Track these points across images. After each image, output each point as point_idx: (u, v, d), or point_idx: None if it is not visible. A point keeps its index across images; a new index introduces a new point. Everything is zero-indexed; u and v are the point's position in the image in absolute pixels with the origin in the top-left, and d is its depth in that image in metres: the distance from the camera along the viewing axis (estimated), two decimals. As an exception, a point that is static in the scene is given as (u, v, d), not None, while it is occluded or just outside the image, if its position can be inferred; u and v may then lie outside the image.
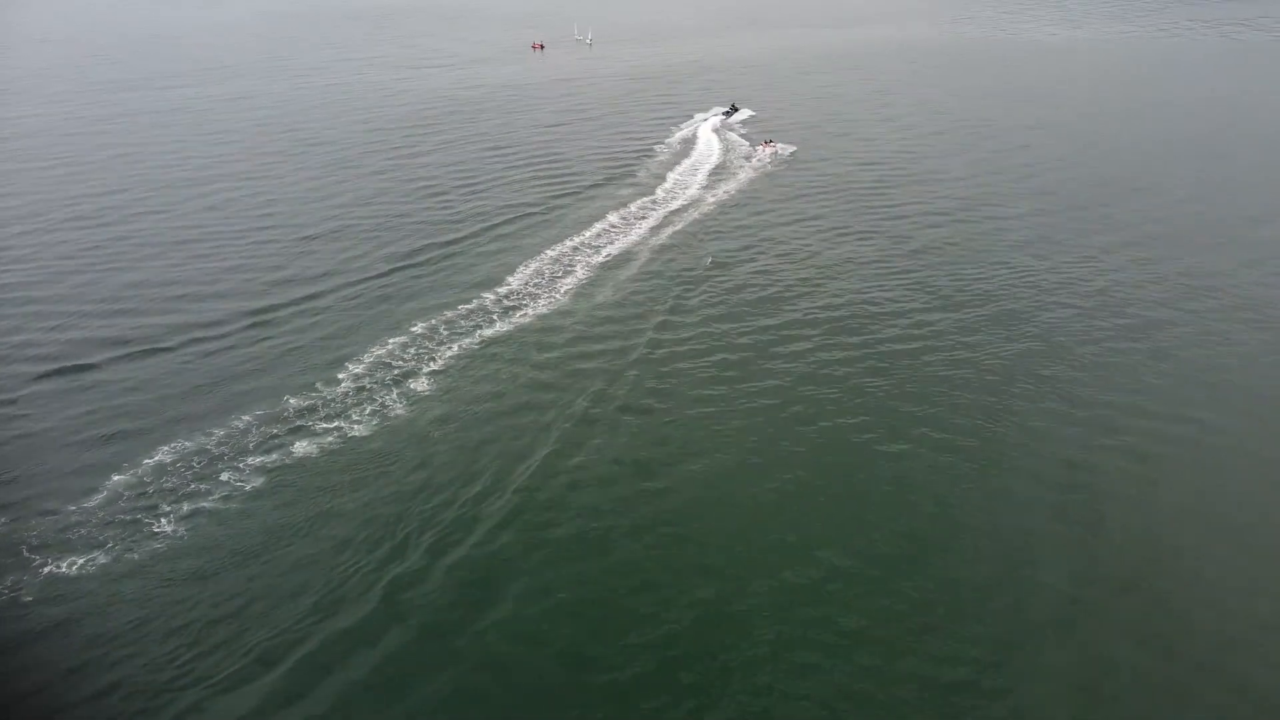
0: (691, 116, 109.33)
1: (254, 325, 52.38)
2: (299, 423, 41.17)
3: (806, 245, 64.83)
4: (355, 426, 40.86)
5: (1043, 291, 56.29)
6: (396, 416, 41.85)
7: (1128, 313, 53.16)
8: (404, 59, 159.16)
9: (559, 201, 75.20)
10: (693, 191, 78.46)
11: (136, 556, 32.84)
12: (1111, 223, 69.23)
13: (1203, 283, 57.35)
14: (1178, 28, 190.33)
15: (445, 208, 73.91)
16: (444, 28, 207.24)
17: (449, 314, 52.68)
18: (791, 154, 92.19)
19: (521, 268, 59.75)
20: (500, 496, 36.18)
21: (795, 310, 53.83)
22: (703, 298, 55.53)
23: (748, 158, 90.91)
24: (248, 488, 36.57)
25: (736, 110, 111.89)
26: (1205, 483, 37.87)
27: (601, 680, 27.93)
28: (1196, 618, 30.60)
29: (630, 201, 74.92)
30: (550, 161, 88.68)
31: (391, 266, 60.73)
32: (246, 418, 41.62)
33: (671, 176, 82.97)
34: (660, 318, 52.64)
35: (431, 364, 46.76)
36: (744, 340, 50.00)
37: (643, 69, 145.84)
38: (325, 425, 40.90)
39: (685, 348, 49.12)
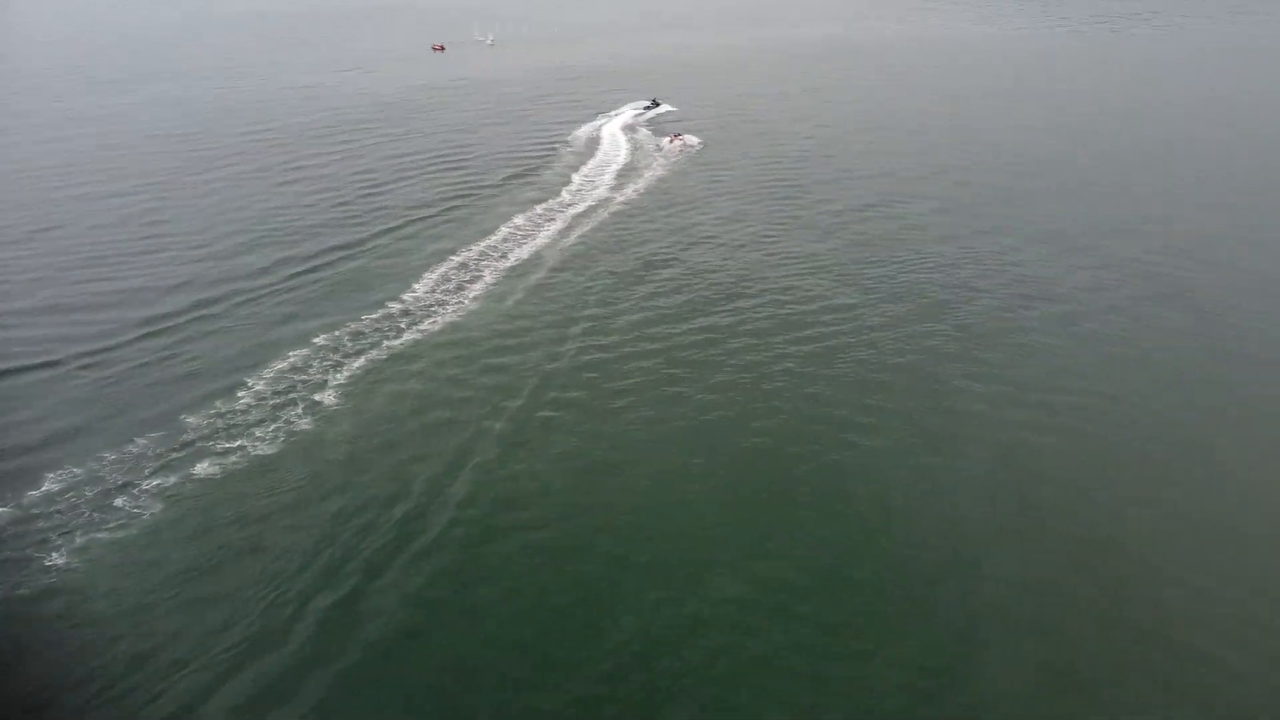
0: (601, 115, 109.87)
1: (146, 337, 50.54)
2: (199, 443, 39.79)
3: (722, 243, 65.84)
4: (260, 445, 39.70)
5: (967, 282, 58.21)
6: (304, 433, 40.83)
7: (1051, 300, 55.35)
8: (302, 63, 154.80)
9: (463, 205, 74.47)
10: (601, 191, 78.71)
11: (27, 593, 31.29)
12: (1031, 214, 72.09)
13: (1122, 270, 60.11)
14: (1081, 21, 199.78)
15: (346, 214, 72.33)
16: (341, 30, 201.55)
17: (353, 325, 51.61)
18: (700, 146, 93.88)
19: (427, 274, 58.98)
20: (423, 513, 35.61)
21: (716, 309, 54.52)
22: (618, 299, 55.82)
23: (655, 151, 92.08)
24: (146, 515, 35.19)
25: (658, 105, 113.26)
26: (1136, 458, 39.83)
27: (538, 696, 27.91)
28: (1139, 588, 32.17)
29: (537, 203, 74.74)
30: (454, 165, 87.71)
31: (291, 274, 59.23)
32: (141, 440, 40.02)
33: (579, 177, 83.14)
34: (575, 322, 52.64)
35: (338, 377, 45.76)
36: (664, 341, 50.36)
37: (549, 69, 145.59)
38: (228, 444, 39.63)
39: (604, 351, 49.27)
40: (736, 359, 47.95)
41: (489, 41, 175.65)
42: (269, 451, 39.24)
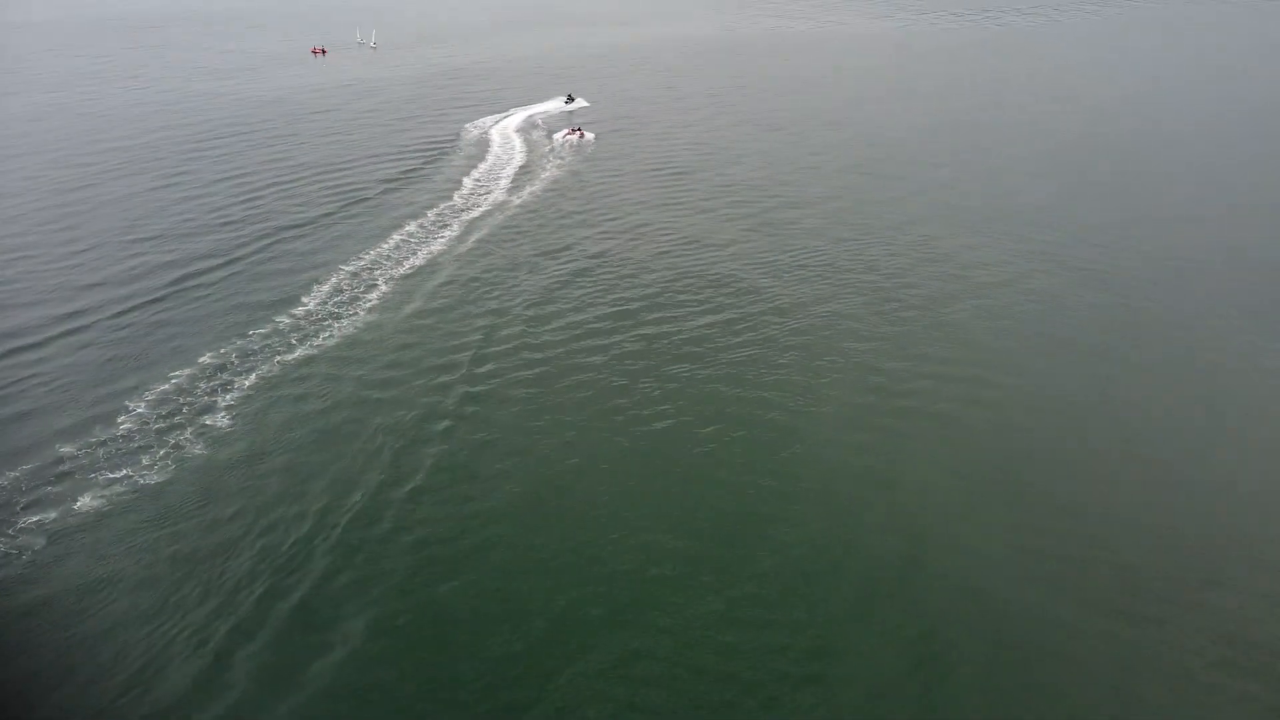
0: (497, 114, 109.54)
1: (7, 355, 48.04)
2: (78, 474, 37.80)
3: (636, 243, 66.22)
4: (148, 473, 37.94)
5: (893, 273, 59.82)
6: (196, 457, 39.24)
7: (977, 287, 57.67)
8: (171, 69, 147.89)
9: (353, 213, 72.79)
10: (499, 194, 78.18)
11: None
12: (945, 204, 74.90)
13: (1040, 257, 63.16)
14: (970, 15, 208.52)
15: (225, 224, 69.71)
16: (211, 35, 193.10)
17: (240, 341, 49.86)
18: (595, 142, 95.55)
19: (317, 286, 57.39)
20: (345, 542, 34.34)
21: (639, 311, 54.31)
22: (532, 303, 55.52)
23: (551, 150, 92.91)
24: (25, 556, 33.21)
25: (573, 99, 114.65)
26: (1071, 434, 42.06)
27: (455, 699, 27.64)
28: (1091, 556, 33.92)
29: (431, 208, 73.75)
30: (340, 171, 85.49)
31: (168, 289, 56.95)
32: (11, 473, 37.77)
33: (474, 179, 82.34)
34: (484, 329, 52.01)
35: (228, 397, 44.12)
36: (591, 345, 50.10)
37: (438, 71, 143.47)
38: (111, 474, 37.76)
39: (526, 358, 48.70)
40: (668, 362, 48.21)
41: (371, 44, 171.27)
42: (159, 480, 37.55)
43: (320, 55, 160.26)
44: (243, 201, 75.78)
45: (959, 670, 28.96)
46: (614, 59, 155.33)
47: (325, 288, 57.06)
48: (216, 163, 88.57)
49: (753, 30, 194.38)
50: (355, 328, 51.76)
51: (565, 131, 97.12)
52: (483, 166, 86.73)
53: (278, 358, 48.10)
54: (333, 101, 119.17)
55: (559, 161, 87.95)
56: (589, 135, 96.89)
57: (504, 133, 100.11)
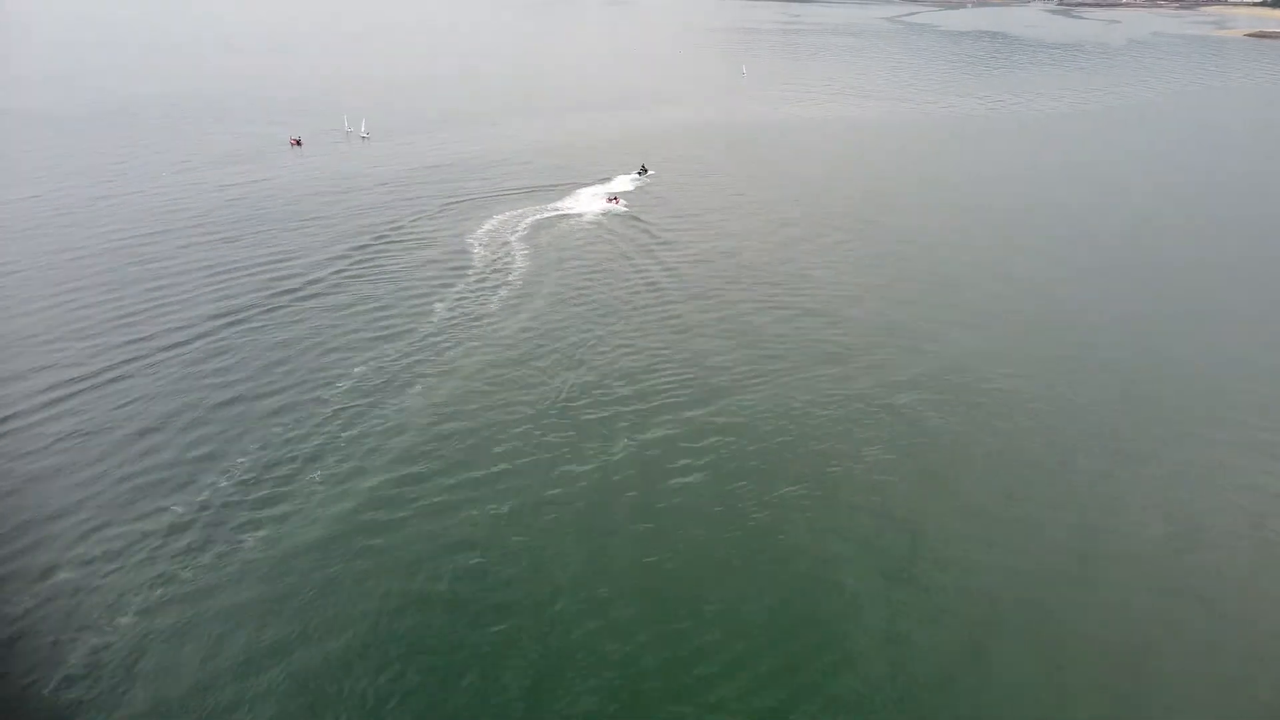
0: (506, 211, 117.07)
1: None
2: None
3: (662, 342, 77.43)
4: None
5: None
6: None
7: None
8: (117, 166, 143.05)
9: (321, 338, 75.54)
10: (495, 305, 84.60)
11: None
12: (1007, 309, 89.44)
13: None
14: (990, 100, 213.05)
15: (161, 369, 69.87)
16: (180, 126, 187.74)
17: (208, 506, 51.93)
18: (625, 208, 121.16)
19: (238, 459, 57.35)
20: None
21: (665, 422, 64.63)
22: (521, 428, 61.60)
23: (593, 211, 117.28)
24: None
25: (646, 171, 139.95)
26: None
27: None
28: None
29: (407, 341, 75.82)
30: (314, 287, 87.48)
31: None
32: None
33: (455, 296, 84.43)
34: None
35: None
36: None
37: (433, 162, 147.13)
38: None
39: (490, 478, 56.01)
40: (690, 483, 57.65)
41: (362, 133, 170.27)
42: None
43: (297, 147, 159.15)
44: (187, 333, 75.03)
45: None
46: (640, 141, 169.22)
47: (242, 464, 57.32)
48: (166, 275, 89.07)
49: (767, 115, 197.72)
50: (293, 525, 52.07)
51: (605, 198, 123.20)
52: (466, 284, 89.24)
53: (255, 533, 50.06)
54: (311, 204, 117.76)
55: (580, 253, 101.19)
56: (623, 204, 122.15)
57: (510, 232, 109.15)
